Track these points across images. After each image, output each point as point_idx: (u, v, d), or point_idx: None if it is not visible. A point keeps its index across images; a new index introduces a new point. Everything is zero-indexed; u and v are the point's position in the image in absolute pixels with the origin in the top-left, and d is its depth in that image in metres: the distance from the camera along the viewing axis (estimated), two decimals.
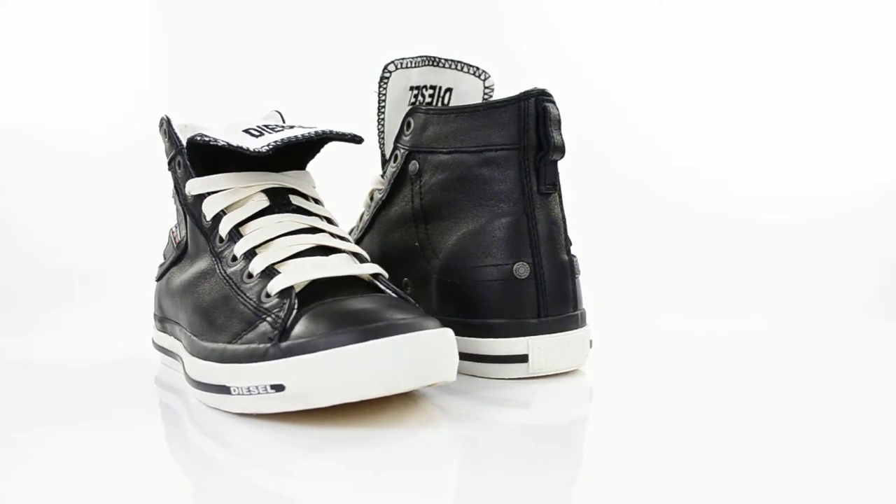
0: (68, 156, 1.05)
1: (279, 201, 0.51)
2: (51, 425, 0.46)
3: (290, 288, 0.45)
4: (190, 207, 0.53)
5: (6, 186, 1.02)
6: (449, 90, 0.61)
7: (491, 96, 0.62)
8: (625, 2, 1.15)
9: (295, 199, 0.52)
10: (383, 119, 0.61)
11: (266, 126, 0.50)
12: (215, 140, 0.49)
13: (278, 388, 0.42)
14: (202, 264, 0.52)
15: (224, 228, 0.50)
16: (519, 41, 1.12)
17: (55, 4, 1.09)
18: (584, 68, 1.14)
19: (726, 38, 1.13)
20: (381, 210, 0.61)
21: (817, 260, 0.96)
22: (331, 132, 0.49)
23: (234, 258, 0.49)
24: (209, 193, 0.51)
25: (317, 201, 0.54)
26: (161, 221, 0.97)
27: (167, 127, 0.56)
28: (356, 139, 0.50)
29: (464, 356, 0.54)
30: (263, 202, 0.50)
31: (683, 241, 1.01)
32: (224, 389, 0.45)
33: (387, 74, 0.60)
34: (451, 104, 0.61)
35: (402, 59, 0.60)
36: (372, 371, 0.41)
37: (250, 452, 0.41)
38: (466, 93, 0.61)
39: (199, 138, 0.50)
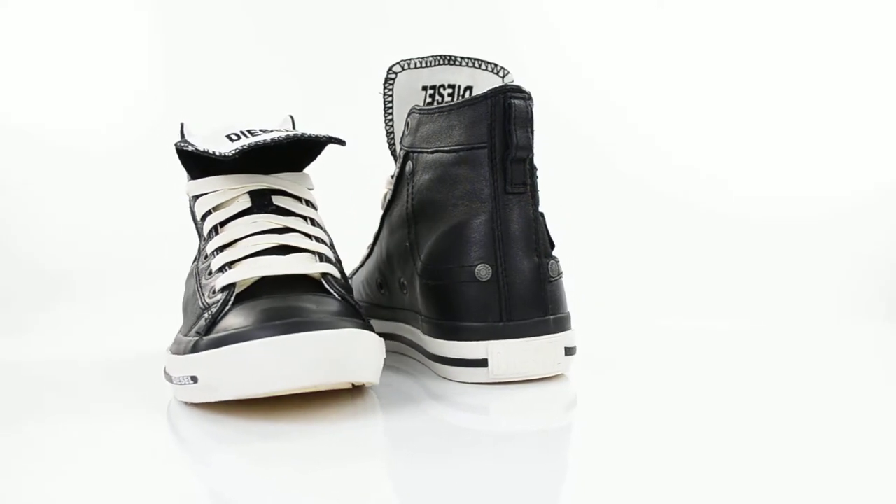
0: (67, 156, 1.06)
1: (260, 202, 0.52)
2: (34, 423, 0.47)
3: (232, 284, 0.47)
4: (191, 208, 0.55)
5: (6, 186, 1.02)
6: (469, 88, 0.61)
7: None
8: (625, 1, 1.15)
9: (278, 200, 0.53)
10: (391, 120, 0.61)
11: (248, 130, 0.51)
12: (187, 144, 0.51)
13: (194, 379, 0.45)
14: (194, 262, 0.54)
15: (206, 228, 0.52)
16: (518, 41, 1.12)
17: (59, 5, 1.10)
18: (584, 69, 1.14)
19: (725, 39, 1.13)
20: (387, 211, 0.61)
21: (817, 261, 0.95)
22: (303, 135, 0.50)
23: (206, 256, 0.51)
24: (202, 195, 0.53)
25: (308, 202, 0.55)
26: (160, 221, 0.98)
27: (180, 132, 0.57)
28: (333, 141, 0.51)
29: (434, 358, 0.54)
30: (246, 203, 0.52)
31: (682, 241, 1.00)
32: (170, 378, 0.48)
33: (392, 76, 0.60)
34: None
35: (410, 59, 0.60)
36: (273, 367, 0.41)
37: (188, 442, 0.43)
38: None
39: (178, 144, 0.52)
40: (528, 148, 0.52)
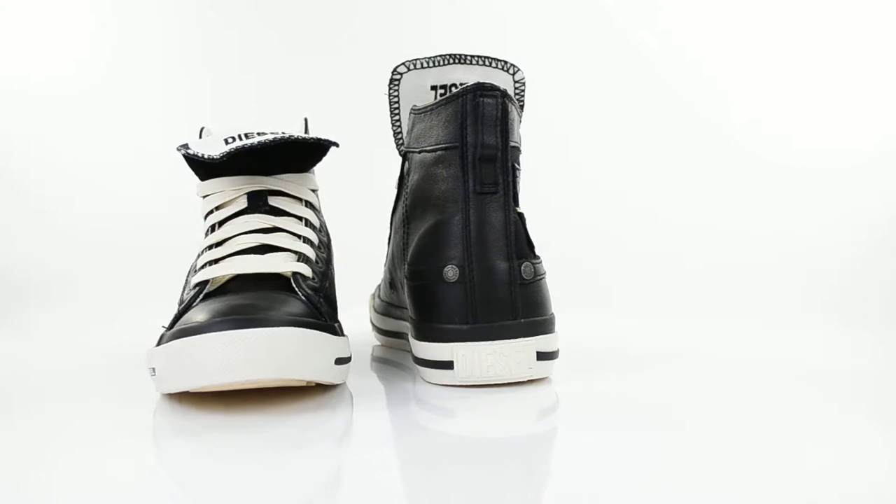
0: (76, 156, 1.11)
1: (256, 202, 0.54)
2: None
3: (205, 282, 0.49)
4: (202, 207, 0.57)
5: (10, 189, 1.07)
6: None
7: (523, 91, 0.60)
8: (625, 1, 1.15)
9: (274, 201, 0.54)
10: (398, 121, 0.61)
11: (245, 134, 0.53)
12: (183, 148, 0.53)
13: (154, 371, 0.46)
14: None
15: (206, 226, 0.54)
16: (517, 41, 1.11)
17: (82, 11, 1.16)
18: (584, 69, 1.13)
19: (723, 44, 1.13)
20: (393, 212, 0.62)
21: (802, 261, 0.94)
22: (290, 137, 0.51)
23: (199, 254, 0.53)
24: (207, 195, 0.55)
25: (308, 203, 0.56)
26: (159, 221, 1.02)
27: (199, 136, 0.60)
28: (322, 142, 0.52)
29: (413, 358, 0.54)
30: (243, 204, 0.54)
31: (678, 243, 1.00)
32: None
33: (397, 76, 0.60)
34: None
35: (415, 59, 0.60)
36: (206, 362, 0.42)
37: (147, 432, 0.44)
38: None
39: (178, 148, 0.54)
40: (496, 147, 0.50)
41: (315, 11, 1.18)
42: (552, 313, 0.52)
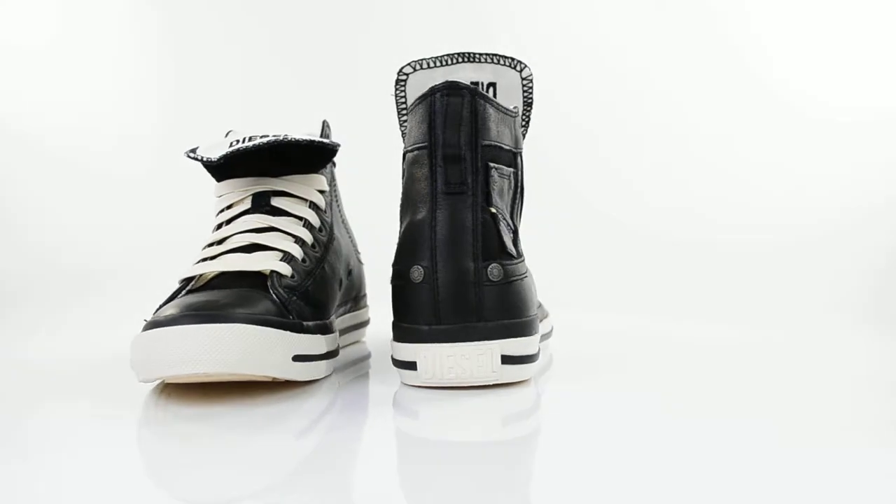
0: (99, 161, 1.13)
1: (259, 203, 0.55)
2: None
3: (191, 278, 0.50)
4: None
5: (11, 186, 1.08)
6: (492, 84, 0.59)
7: (531, 88, 0.60)
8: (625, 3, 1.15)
9: (277, 201, 0.55)
10: (406, 122, 0.61)
11: (249, 137, 0.54)
12: (190, 152, 0.55)
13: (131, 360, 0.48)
14: None
15: (213, 225, 0.56)
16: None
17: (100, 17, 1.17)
18: (584, 69, 1.14)
19: (723, 44, 1.14)
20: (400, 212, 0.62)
21: (796, 265, 0.94)
22: (285, 139, 0.52)
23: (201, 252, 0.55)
24: (220, 196, 0.57)
25: (313, 204, 0.57)
26: (159, 222, 1.02)
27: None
28: (317, 143, 0.53)
29: (391, 359, 0.54)
30: (248, 204, 0.55)
31: (678, 244, 1.01)
32: None
33: (402, 77, 0.59)
34: (497, 100, 0.58)
35: (421, 59, 0.60)
36: (162, 354, 0.44)
37: (121, 424, 0.45)
38: (508, 86, 0.59)
39: (186, 152, 0.56)
40: (458, 146, 0.50)
41: (322, 11, 1.18)
42: (531, 315, 0.52)
